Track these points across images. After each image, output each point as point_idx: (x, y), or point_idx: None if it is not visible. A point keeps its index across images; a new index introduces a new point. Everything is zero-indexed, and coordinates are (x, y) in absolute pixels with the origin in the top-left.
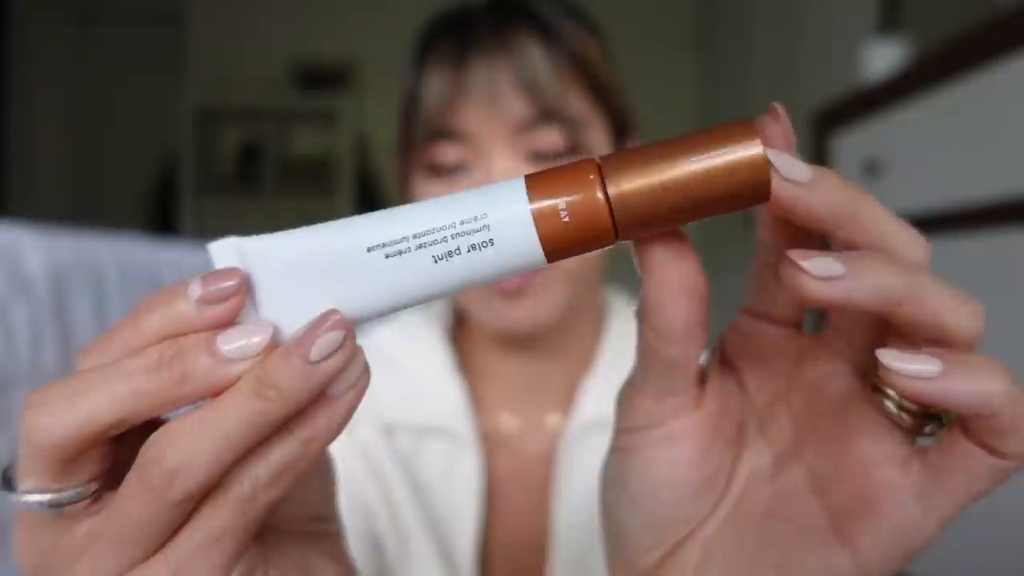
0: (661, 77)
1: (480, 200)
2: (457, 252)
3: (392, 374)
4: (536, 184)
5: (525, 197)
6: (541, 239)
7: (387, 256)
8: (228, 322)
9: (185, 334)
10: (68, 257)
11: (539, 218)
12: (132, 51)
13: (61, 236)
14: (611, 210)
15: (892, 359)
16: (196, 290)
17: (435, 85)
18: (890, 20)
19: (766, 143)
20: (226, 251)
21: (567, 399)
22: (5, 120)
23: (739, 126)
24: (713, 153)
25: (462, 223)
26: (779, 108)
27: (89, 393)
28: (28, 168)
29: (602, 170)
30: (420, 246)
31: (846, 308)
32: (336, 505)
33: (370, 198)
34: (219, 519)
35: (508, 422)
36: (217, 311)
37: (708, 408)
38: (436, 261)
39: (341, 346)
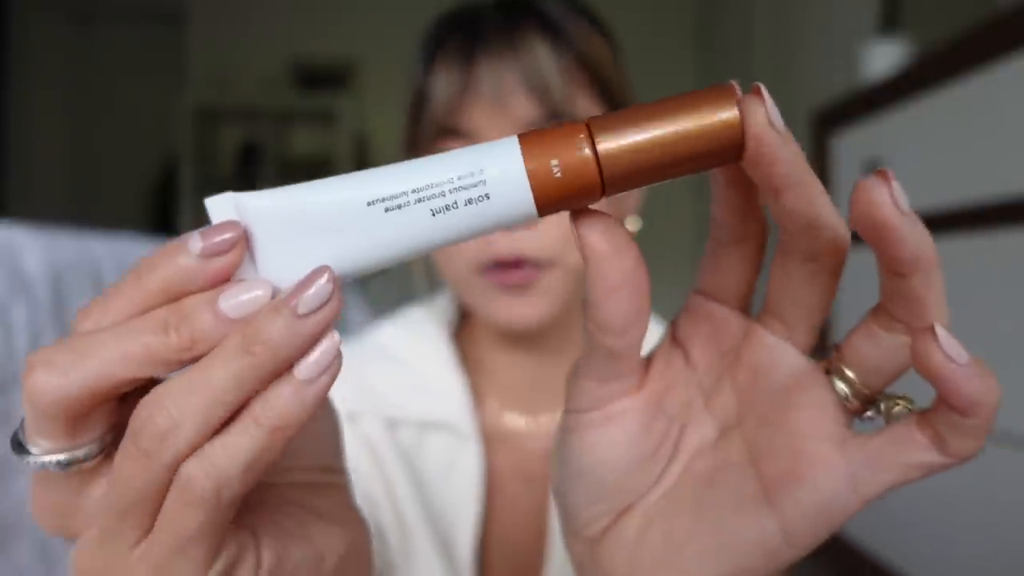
0: (661, 75)
1: (476, 157)
2: (454, 206)
3: (395, 369)
4: (529, 142)
5: (519, 153)
6: (534, 193)
7: (387, 210)
8: (229, 275)
9: (188, 289)
10: (67, 257)
11: (532, 173)
12: (131, 51)
13: (60, 236)
14: (599, 166)
15: (942, 333)
16: (197, 244)
17: (443, 84)
18: (890, 20)
19: (746, 114)
20: (223, 206)
21: None
22: (4, 120)
23: (717, 90)
24: (693, 114)
25: (459, 178)
26: (761, 87)
27: (99, 351)
28: (27, 168)
29: (591, 129)
30: (419, 200)
31: (878, 240)
32: (343, 456)
33: None
34: (190, 517)
35: (509, 418)
36: (218, 264)
37: (651, 388)
38: (434, 214)
39: (329, 300)
